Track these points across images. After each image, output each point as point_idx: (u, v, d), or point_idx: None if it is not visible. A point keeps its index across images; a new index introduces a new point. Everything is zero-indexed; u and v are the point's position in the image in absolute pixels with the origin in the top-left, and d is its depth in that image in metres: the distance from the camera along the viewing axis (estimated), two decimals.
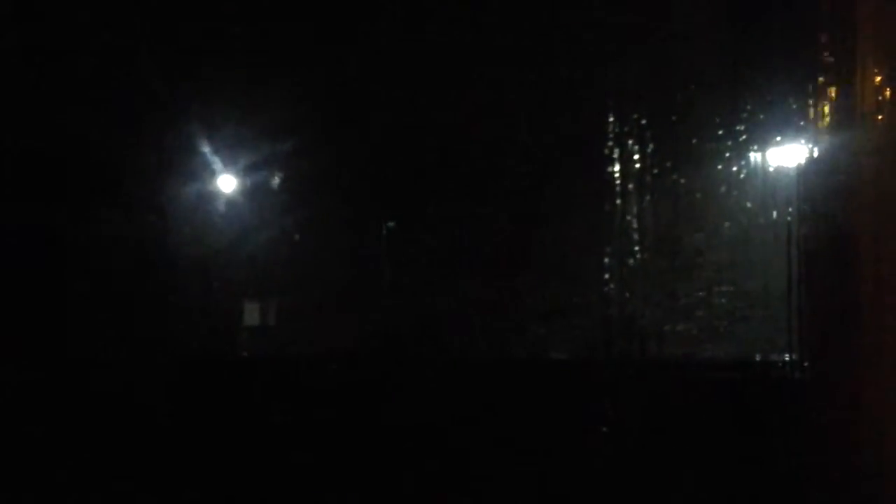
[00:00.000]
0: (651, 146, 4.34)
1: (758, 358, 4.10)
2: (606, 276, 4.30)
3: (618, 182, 4.34)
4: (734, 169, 4.30)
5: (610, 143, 4.34)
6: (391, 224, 4.50)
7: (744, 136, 4.28)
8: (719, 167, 4.32)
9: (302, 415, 4.28)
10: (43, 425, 4.15)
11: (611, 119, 4.35)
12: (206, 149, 4.51)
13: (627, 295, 4.29)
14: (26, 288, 4.24)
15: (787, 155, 4.15)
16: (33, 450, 4.15)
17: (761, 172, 4.25)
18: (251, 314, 4.53)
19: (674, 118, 4.35)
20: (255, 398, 4.36)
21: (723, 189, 4.31)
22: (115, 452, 4.19)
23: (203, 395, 4.35)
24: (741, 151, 4.29)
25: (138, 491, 4.13)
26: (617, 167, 4.34)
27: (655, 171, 4.34)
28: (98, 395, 4.21)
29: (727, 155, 4.31)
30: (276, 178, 4.59)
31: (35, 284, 4.25)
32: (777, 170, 4.21)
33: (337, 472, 4.22)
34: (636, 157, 4.33)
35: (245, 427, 4.31)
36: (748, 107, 4.24)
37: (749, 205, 4.26)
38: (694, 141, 4.34)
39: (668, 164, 4.35)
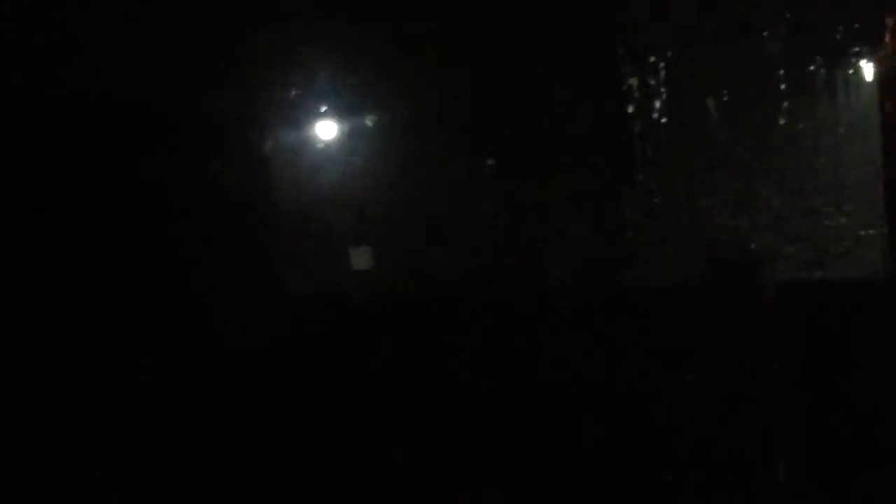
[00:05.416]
0: None
1: None
2: (709, 202, 4.17)
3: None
4: None
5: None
6: (490, 162, 4.46)
7: None
8: None
9: (408, 355, 4.28)
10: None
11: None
12: (306, 96, 4.54)
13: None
14: (135, 238, 4.33)
15: None
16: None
17: None
18: (357, 258, 4.55)
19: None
20: (363, 342, 4.38)
21: None
22: (230, 393, 4.26)
23: (311, 340, 4.39)
24: None
25: (250, 426, 4.20)
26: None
27: None
28: (212, 339, 4.28)
29: None
30: (376, 122, 4.60)
31: (143, 235, 4.34)
32: None
33: (446, 413, 4.21)
34: None
35: (355, 369, 4.33)
36: None
37: None
38: None
39: None
